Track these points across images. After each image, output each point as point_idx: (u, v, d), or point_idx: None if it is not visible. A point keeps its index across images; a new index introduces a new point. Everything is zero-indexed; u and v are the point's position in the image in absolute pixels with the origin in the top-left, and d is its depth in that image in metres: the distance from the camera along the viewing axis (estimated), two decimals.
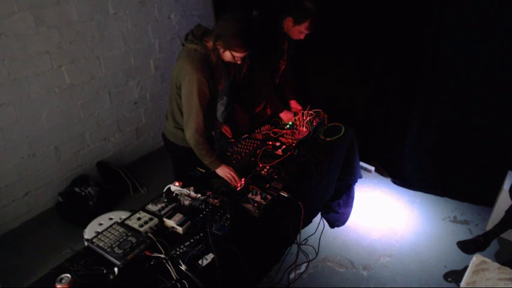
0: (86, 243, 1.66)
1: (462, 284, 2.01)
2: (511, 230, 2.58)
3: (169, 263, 1.52)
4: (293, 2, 2.44)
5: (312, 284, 2.51)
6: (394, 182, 3.49)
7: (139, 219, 1.74)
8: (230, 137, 2.43)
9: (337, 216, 2.86)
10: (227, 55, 1.97)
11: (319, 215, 2.58)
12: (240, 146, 2.35)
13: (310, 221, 2.33)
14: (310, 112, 2.60)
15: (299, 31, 2.49)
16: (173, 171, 2.43)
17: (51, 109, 2.90)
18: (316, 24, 2.46)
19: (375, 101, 3.28)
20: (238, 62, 2.03)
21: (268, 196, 1.90)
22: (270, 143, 2.39)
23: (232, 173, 2.04)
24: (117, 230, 1.68)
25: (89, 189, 3.12)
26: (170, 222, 1.72)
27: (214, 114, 2.34)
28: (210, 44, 1.97)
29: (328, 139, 2.49)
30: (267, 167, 2.14)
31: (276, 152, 2.29)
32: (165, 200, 1.86)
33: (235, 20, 1.90)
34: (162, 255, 1.56)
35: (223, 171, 2.06)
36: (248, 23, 1.95)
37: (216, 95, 2.16)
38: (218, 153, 2.26)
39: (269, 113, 2.91)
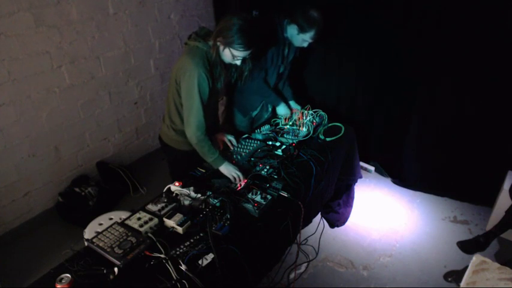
0: (86, 243, 1.66)
1: (462, 284, 2.01)
2: (511, 230, 2.58)
3: (169, 263, 1.52)
4: (299, 10, 2.41)
5: (312, 284, 2.51)
6: (394, 182, 3.49)
7: (139, 219, 1.74)
8: (232, 148, 2.36)
9: (337, 216, 2.86)
10: (227, 53, 1.97)
11: (319, 215, 2.58)
12: (240, 146, 2.35)
13: (310, 221, 2.33)
14: (310, 112, 2.61)
15: (303, 39, 2.48)
16: (170, 174, 2.42)
17: (51, 109, 2.90)
18: (321, 34, 2.45)
19: (375, 101, 3.28)
20: (238, 63, 2.03)
21: (268, 196, 1.90)
22: (270, 143, 2.39)
23: (237, 172, 2.04)
24: (117, 230, 1.68)
25: (89, 189, 3.12)
26: (170, 222, 1.72)
27: (215, 114, 2.33)
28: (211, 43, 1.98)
29: (328, 139, 2.49)
30: (267, 167, 2.14)
31: (276, 152, 2.29)
32: (165, 200, 1.86)
33: (238, 18, 1.90)
34: (162, 255, 1.56)
35: (227, 170, 2.05)
36: (251, 22, 1.95)
37: (215, 94, 2.15)
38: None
39: (267, 115, 2.91)
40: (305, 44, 2.53)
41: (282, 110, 2.73)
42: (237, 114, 2.83)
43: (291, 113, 2.71)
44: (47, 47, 2.74)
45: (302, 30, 2.43)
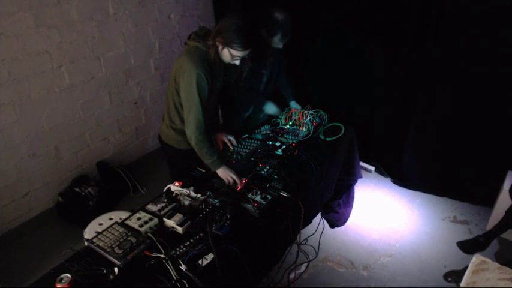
0: (86, 243, 1.66)
1: (462, 284, 2.01)
2: (511, 230, 2.58)
3: (169, 263, 1.52)
4: (264, 13, 2.36)
5: (312, 284, 2.51)
6: (394, 182, 3.49)
7: (139, 219, 1.74)
8: (232, 148, 2.36)
9: (337, 216, 2.86)
10: (226, 53, 1.97)
11: (319, 215, 2.58)
12: (240, 146, 2.35)
13: (310, 221, 2.33)
14: (310, 112, 2.60)
15: (274, 42, 2.44)
16: (170, 174, 2.42)
17: (51, 109, 2.90)
18: (289, 35, 2.40)
19: (375, 101, 3.28)
20: (237, 63, 2.03)
21: (268, 196, 1.90)
22: (270, 143, 2.39)
23: (233, 176, 2.03)
24: (117, 230, 1.68)
25: (89, 189, 3.12)
26: (170, 222, 1.72)
27: (216, 114, 2.33)
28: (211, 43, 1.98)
29: (328, 139, 2.49)
30: (267, 167, 2.14)
31: (276, 152, 2.29)
32: (165, 200, 1.86)
33: (237, 18, 1.90)
34: (162, 255, 1.56)
35: (224, 173, 2.05)
36: (250, 22, 1.95)
37: (215, 94, 2.16)
38: (219, 153, 2.25)
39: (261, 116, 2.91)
40: (280, 46, 2.50)
41: (269, 109, 2.72)
42: (230, 115, 2.84)
43: (282, 111, 2.67)
44: (47, 47, 2.74)
45: (269, 33, 2.37)
